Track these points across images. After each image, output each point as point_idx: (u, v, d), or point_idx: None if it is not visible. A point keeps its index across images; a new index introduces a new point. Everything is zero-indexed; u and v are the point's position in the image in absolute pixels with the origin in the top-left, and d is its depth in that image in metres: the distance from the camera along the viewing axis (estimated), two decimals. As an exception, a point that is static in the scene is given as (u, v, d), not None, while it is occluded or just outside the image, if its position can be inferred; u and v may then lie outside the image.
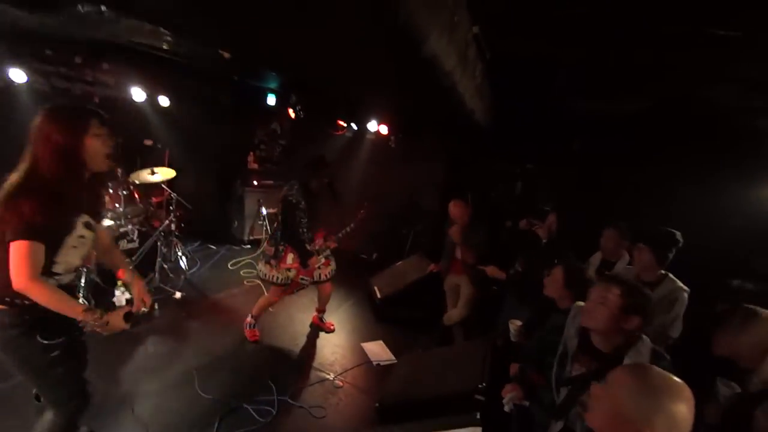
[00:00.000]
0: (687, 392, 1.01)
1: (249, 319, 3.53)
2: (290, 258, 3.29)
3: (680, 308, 2.38)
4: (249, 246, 5.97)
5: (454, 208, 3.56)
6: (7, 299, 1.51)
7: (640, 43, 2.07)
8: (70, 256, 1.62)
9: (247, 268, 5.13)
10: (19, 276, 1.43)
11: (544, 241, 3.43)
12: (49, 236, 1.50)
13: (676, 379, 1.03)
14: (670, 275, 2.47)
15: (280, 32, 1.86)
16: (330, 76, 2.99)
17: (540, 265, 3.21)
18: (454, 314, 3.72)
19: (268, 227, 5.82)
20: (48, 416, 1.77)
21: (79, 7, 2.73)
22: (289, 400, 2.86)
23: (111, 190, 4.06)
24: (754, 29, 1.82)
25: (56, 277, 1.61)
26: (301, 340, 3.74)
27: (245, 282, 4.76)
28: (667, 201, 3.86)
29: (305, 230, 3.30)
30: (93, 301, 3.57)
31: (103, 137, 1.59)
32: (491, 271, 3.39)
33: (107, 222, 3.95)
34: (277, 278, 3.29)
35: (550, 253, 3.10)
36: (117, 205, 3.97)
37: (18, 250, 1.43)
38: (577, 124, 4.17)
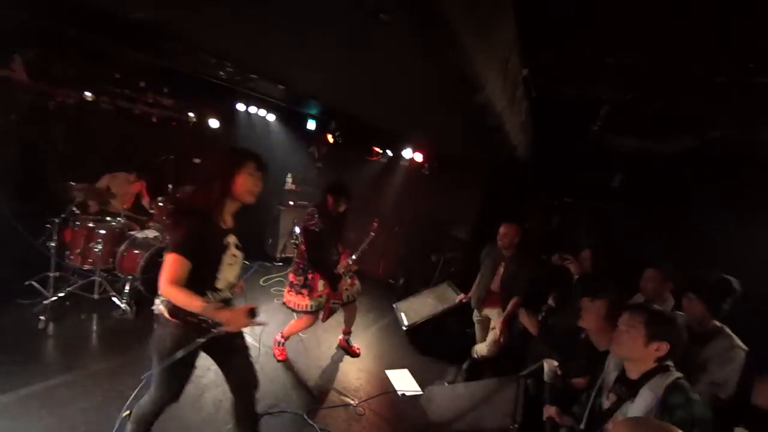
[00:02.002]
0: None
1: (279, 337, 3.56)
2: (321, 285, 3.31)
3: (733, 369, 2.14)
4: (281, 263, 6.11)
5: (508, 230, 3.49)
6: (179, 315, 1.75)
7: (687, 90, 2.05)
8: (227, 272, 1.86)
9: (277, 285, 5.24)
10: (163, 280, 1.66)
11: (576, 277, 3.31)
12: (207, 255, 1.75)
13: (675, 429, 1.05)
14: (727, 329, 2.25)
15: (338, 79, 1.98)
16: (378, 116, 3.11)
17: (569, 302, 3.11)
18: (482, 349, 3.63)
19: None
20: (146, 399, 2.00)
21: (155, 40, 3.02)
22: (305, 417, 2.85)
23: (161, 204, 4.32)
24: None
25: (219, 292, 1.85)
26: (326, 362, 3.74)
27: (275, 300, 4.84)
28: (712, 242, 3.67)
29: (330, 255, 3.35)
30: (134, 308, 3.77)
31: (255, 177, 1.86)
32: (524, 319, 3.22)
33: (154, 233, 4.20)
34: (311, 306, 3.29)
35: (582, 290, 2.98)
36: (165, 218, 4.20)
37: (168, 261, 1.68)
38: (618, 161, 4.10)
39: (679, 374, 1.65)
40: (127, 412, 2.04)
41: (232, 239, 1.89)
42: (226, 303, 1.90)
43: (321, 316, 3.42)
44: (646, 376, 1.67)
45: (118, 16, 2.25)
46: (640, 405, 1.63)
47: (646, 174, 4.08)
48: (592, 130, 3.20)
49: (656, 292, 2.85)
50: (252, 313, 1.71)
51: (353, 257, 3.61)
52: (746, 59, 1.66)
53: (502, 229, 3.55)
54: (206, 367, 3.24)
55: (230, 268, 1.87)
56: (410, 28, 1.16)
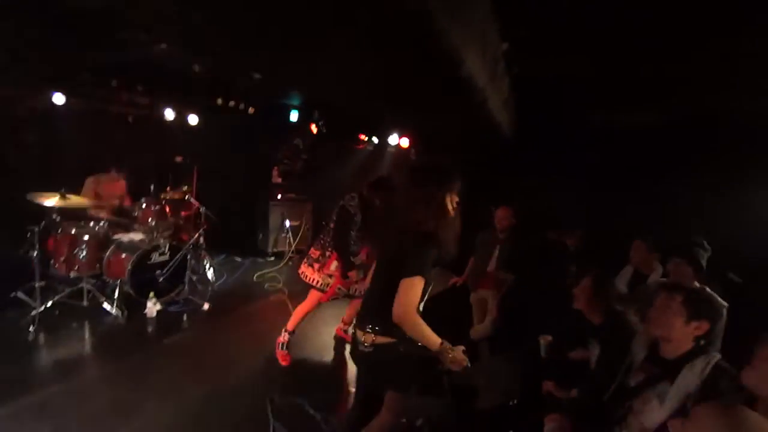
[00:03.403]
0: None
1: (282, 338, 3.39)
2: (333, 265, 3.31)
3: (720, 326, 2.28)
4: (273, 258, 6.06)
5: (505, 212, 3.58)
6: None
7: (673, 57, 2.05)
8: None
9: (271, 281, 5.21)
10: (404, 306, 1.60)
11: (572, 249, 3.38)
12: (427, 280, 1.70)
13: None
14: (708, 290, 2.36)
15: (312, 56, 1.92)
16: (358, 96, 3.06)
17: (564, 277, 3.17)
18: (480, 329, 3.67)
19: (292, 239, 5.92)
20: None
21: (119, 35, 2.90)
22: (306, 407, 2.84)
23: (144, 206, 4.22)
24: None
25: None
26: (327, 353, 3.74)
27: (271, 297, 4.80)
28: (695, 212, 3.76)
29: (353, 242, 3.33)
30: (126, 312, 3.71)
31: (455, 195, 1.83)
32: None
33: (139, 235, 4.11)
34: (318, 282, 3.31)
35: (581, 263, 3.04)
36: (150, 219, 4.12)
37: (410, 286, 1.61)
38: (598, 137, 4.12)
39: (718, 355, 1.60)
40: None
41: None
42: None
43: (322, 297, 3.39)
44: (685, 357, 1.61)
45: (77, 6, 2.14)
46: (681, 387, 1.57)
47: (627, 148, 4.12)
48: (572, 106, 3.21)
49: (644, 261, 2.98)
50: (467, 353, 1.70)
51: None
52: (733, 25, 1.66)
53: (499, 212, 3.64)
54: (203, 366, 3.23)
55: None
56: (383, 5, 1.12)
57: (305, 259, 3.44)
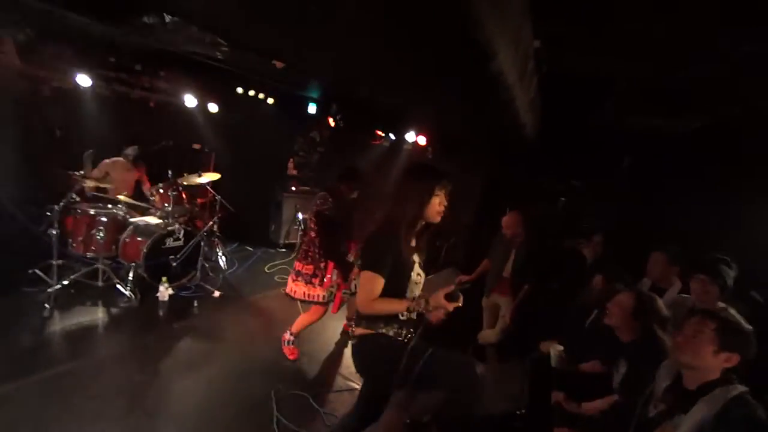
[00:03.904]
0: None
1: (288, 336, 3.36)
2: (335, 274, 3.19)
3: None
4: (284, 249, 6.09)
5: (510, 219, 3.46)
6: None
7: (711, 60, 1.94)
8: (414, 289, 1.86)
9: (282, 273, 5.22)
10: (362, 299, 1.72)
11: (590, 261, 3.28)
12: (399, 272, 1.77)
13: None
14: (731, 310, 2.21)
15: (337, 45, 1.89)
16: (381, 90, 3.00)
17: (580, 286, 3.08)
18: (489, 335, 3.61)
19: (303, 232, 5.92)
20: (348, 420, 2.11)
21: (145, 18, 2.92)
22: (311, 401, 2.84)
23: (161, 191, 4.27)
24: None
25: (406, 312, 1.81)
26: (331, 347, 3.73)
27: (281, 290, 4.77)
28: (725, 225, 3.60)
29: (341, 243, 3.25)
30: (139, 295, 3.77)
31: (441, 197, 1.83)
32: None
33: (155, 220, 4.16)
34: (323, 297, 3.18)
35: (599, 272, 2.94)
36: (166, 204, 4.17)
37: (365, 280, 1.72)
38: (628, 141, 3.98)
39: (743, 388, 1.50)
40: None
41: (416, 257, 1.89)
42: (410, 322, 1.89)
43: (331, 307, 3.33)
44: (706, 388, 1.53)
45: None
46: (693, 418, 1.49)
47: (655, 154, 3.97)
48: (602, 109, 3.10)
49: (662, 275, 2.84)
50: (451, 296, 1.72)
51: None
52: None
53: (506, 219, 3.53)
54: (211, 353, 3.26)
55: (417, 286, 1.87)
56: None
57: (293, 276, 3.22)
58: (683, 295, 2.67)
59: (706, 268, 2.29)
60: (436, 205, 1.83)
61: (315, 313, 3.26)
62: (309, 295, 3.16)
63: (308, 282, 3.16)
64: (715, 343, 1.51)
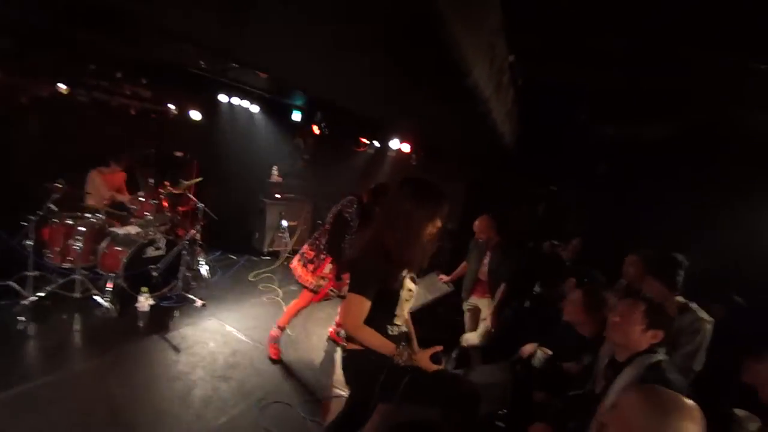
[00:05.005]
0: (697, 413, 1.02)
1: (274, 332, 3.45)
2: (328, 268, 3.34)
3: (702, 340, 2.27)
4: (268, 257, 6.04)
5: (480, 223, 3.55)
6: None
7: (677, 70, 2.06)
8: (404, 307, 1.86)
9: (266, 281, 5.18)
10: (351, 323, 1.71)
11: (568, 263, 3.38)
12: (388, 292, 1.75)
13: (686, 399, 1.05)
14: (693, 305, 2.36)
15: (322, 63, 1.93)
16: (361, 101, 3.06)
17: (559, 288, 3.17)
18: (471, 337, 3.67)
19: (288, 239, 5.90)
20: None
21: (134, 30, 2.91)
22: (297, 410, 2.83)
23: (142, 199, 4.20)
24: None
25: (397, 326, 1.84)
26: (316, 354, 3.73)
27: (265, 298, 4.75)
28: (699, 226, 3.74)
29: (348, 246, 3.33)
30: (118, 306, 3.69)
31: (437, 221, 1.78)
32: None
33: (136, 229, 4.09)
34: (311, 284, 3.34)
35: (574, 275, 3.04)
36: (147, 213, 4.10)
37: (350, 302, 1.69)
38: (603, 148, 4.13)
39: (663, 356, 1.69)
40: None
41: (407, 274, 1.86)
42: (403, 336, 1.91)
43: (314, 297, 3.44)
44: (632, 358, 1.72)
45: (90, 2, 2.14)
46: (620, 383, 1.66)
47: (629, 160, 4.13)
48: (577, 118, 3.22)
49: (637, 276, 2.93)
50: (436, 358, 1.74)
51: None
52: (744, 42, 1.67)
53: (475, 224, 3.63)
54: (194, 364, 3.21)
55: (407, 304, 1.88)
56: (395, 7, 1.13)
57: (299, 257, 3.45)
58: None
59: (652, 268, 2.42)
60: (436, 231, 1.80)
61: (303, 298, 3.42)
62: (301, 276, 3.34)
63: (304, 265, 3.35)
64: (644, 323, 1.71)
